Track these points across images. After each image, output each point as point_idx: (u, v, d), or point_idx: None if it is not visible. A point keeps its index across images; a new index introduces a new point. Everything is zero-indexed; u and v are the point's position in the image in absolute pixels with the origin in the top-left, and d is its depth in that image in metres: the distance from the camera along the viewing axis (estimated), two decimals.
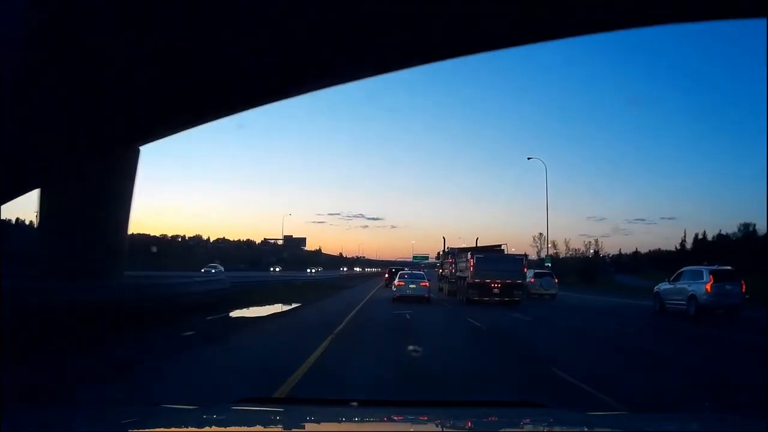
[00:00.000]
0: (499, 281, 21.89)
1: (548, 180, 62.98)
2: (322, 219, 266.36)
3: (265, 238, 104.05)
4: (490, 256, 24.46)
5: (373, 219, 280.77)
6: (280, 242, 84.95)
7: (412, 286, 23.52)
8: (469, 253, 24.14)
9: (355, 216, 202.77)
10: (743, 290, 16.78)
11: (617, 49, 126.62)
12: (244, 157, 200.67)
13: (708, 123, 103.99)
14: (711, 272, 16.77)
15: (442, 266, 34.80)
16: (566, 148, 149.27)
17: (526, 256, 27.87)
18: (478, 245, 30.11)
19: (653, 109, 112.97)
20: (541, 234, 64.67)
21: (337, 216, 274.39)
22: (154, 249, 65.69)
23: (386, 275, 37.94)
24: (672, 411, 4.94)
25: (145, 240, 70.14)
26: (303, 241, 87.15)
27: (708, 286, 16.43)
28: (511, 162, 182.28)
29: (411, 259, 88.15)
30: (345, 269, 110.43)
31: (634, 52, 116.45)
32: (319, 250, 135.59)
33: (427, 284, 23.93)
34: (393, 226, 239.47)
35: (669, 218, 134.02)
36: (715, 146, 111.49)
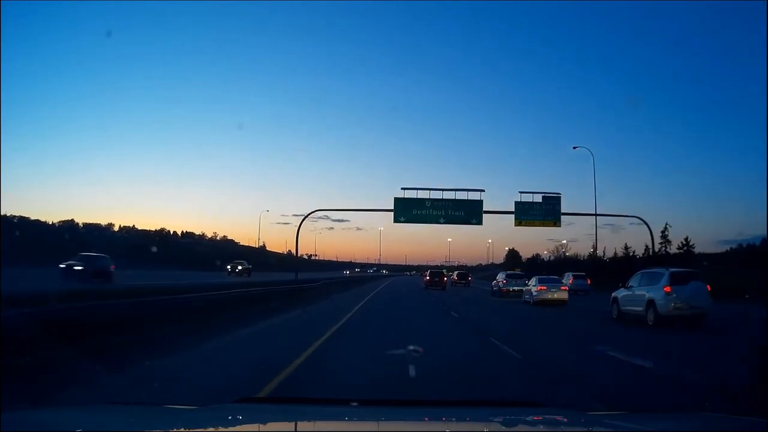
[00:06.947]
0: None
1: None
2: (287, 220, 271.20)
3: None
4: None
5: (339, 221, 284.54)
6: None
7: (436, 280, 41.22)
8: None
9: (320, 218, 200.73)
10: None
11: (617, 49, 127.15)
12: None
13: (694, 130, 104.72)
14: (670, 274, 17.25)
15: None
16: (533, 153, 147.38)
17: None
18: None
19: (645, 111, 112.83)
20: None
21: (302, 217, 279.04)
22: (154, 249, 66.84)
23: (426, 277, 45.35)
24: (672, 410, 4.78)
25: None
26: None
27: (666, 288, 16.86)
28: (482, 166, 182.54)
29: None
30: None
31: (634, 52, 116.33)
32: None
33: (446, 278, 42.57)
34: (359, 228, 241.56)
35: (638, 224, 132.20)
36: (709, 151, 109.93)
